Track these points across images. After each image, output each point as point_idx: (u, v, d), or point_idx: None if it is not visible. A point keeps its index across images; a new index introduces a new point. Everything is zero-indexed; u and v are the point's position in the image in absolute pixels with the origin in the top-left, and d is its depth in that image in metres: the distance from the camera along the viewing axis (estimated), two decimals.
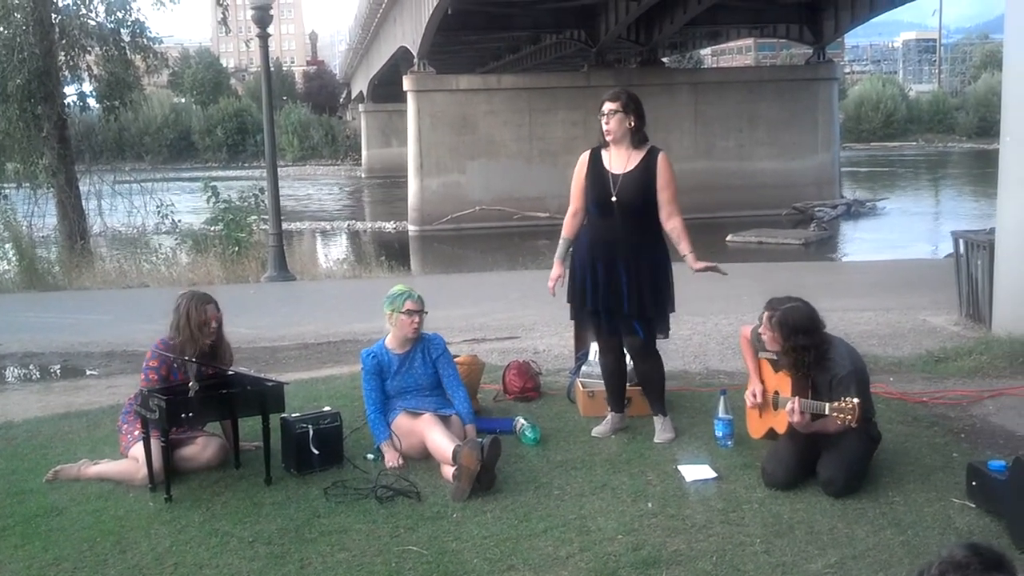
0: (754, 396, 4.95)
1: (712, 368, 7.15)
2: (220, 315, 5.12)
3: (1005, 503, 4.02)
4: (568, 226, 5.44)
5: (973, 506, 4.25)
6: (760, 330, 4.77)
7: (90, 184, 19.50)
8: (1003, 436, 5.37)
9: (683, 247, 5.20)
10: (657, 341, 5.39)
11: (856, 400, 4.27)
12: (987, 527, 4.07)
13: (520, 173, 33.34)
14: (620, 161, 5.23)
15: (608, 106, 5.19)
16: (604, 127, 5.21)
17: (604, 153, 5.31)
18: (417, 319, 5.26)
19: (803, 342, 4.50)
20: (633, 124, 5.18)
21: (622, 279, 5.17)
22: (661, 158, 5.19)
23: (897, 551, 3.86)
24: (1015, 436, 5.35)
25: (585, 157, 5.37)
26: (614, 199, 5.17)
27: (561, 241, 5.47)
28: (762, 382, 4.97)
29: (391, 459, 5.03)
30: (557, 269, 5.49)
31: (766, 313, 4.66)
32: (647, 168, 5.17)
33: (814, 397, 4.52)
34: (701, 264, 5.17)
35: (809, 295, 4.81)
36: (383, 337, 5.42)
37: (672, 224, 5.20)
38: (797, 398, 4.47)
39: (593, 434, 5.45)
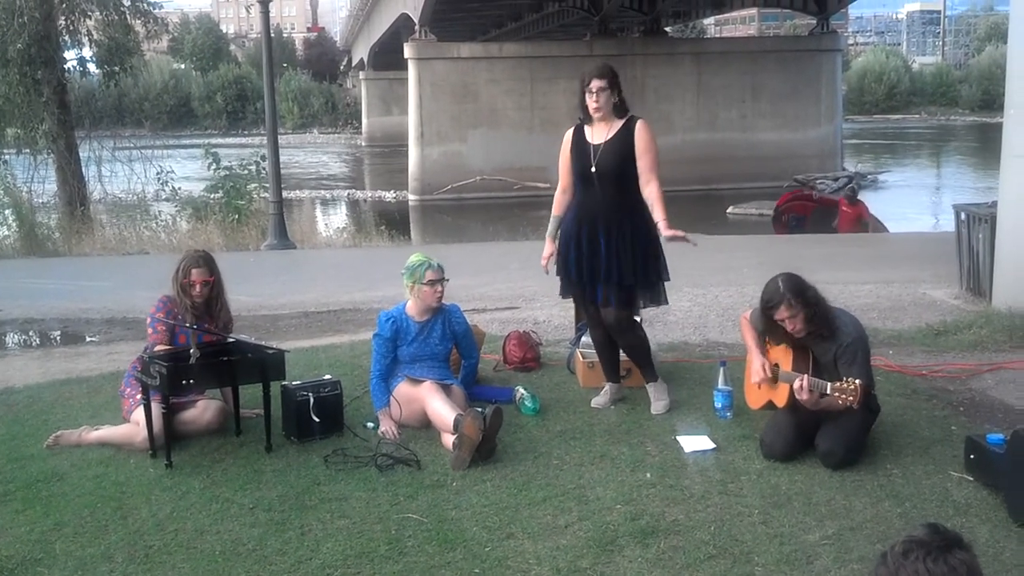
0: (764, 369, 4.73)
1: (711, 340, 7.15)
2: (210, 279, 5.12)
3: (1003, 476, 4.03)
4: (558, 203, 5.44)
5: (971, 479, 4.27)
6: (781, 320, 4.53)
7: (90, 150, 19.40)
8: (1002, 410, 5.38)
9: (657, 213, 5.07)
10: (649, 311, 5.36)
11: (858, 381, 4.26)
12: (984, 500, 4.08)
13: (521, 143, 33.14)
14: (601, 132, 5.21)
15: (596, 83, 5.11)
16: (593, 104, 5.14)
17: (587, 128, 5.29)
18: (440, 288, 5.28)
19: (813, 293, 4.49)
20: (617, 98, 5.17)
21: (603, 249, 5.15)
22: (639, 125, 5.17)
23: (895, 523, 3.87)
24: (1014, 410, 5.37)
25: (569, 134, 5.36)
26: (593, 169, 5.16)
27: (552, 219, 5.46)
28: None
29: (386, 426, 5.06)
30: (549, 247, 5.48)
31: (771, 305, 4.52)
32: (626, 136, 5.16)
33: (817, 368, 4.53)
34: (671, 232, 4.98)
35: (809, 267, 4.81)
36: (402, 302, 5.41)
37: (648, 190, 5.12)
38: (806, 376, 4.44)
39: (592, 405, 5.46)
